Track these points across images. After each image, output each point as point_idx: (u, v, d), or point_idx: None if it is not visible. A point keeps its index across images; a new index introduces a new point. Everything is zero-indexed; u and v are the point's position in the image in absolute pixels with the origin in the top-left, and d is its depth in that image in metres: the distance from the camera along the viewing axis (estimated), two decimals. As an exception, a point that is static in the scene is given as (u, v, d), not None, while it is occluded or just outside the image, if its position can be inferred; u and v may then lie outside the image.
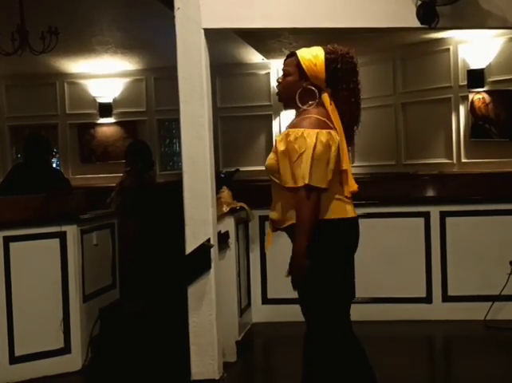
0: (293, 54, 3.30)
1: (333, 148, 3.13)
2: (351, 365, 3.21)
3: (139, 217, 5.96)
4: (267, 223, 3.48)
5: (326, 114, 3.20)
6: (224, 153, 10.50)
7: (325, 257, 3.15)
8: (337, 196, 3.20)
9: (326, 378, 3.20)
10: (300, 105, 3.25)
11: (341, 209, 3.20)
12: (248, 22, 4.48)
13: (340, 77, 3.21)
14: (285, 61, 3.35)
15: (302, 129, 3.13)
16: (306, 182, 3.06)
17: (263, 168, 3.36)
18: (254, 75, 10.79)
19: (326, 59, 3.20)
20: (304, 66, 3.22)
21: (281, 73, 3.39)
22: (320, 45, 3.30)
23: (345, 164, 3.21)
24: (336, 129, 3.18)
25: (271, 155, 3.25)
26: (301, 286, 3.19)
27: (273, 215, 3.30)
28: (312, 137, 3.09)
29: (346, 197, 3.23)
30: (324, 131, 3.13)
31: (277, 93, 3.42)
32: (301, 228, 3.10)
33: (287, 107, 3.40)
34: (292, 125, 3.23)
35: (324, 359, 3.18)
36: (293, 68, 3.27)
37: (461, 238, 5.85)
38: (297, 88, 3.25)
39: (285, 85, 3.32)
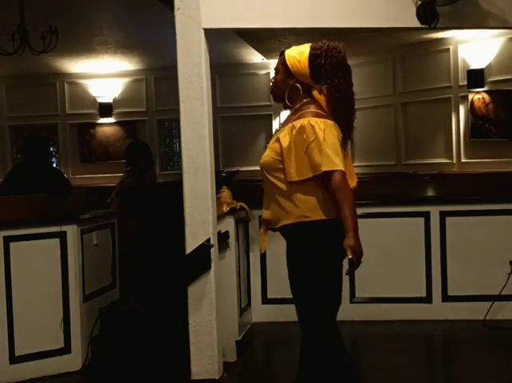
0: (282, 53, 3.29)
1: (339, 138, 3.11)
2: (337, 365, 3.18)
3: (139, 217, 5.96)
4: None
5: (323, 109, 3.17)
6: (224, 153, 10.50)
7: (325, 256, 3.10)
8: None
9: (318, 377, 3.17)
10: (288, 103, 3.24)
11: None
12: (248, 22, 4.48)
13: (324, 73, 3.15)
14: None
15: (308, 119, 3.09)
16: (331, 168, 2.99)
17: (261, 168, 3.34)
18: (254, 75, 10.79)
19: (310, 55, 3.17)
20: (288, 64, 3.21)
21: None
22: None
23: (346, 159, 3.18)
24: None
25: (268, 153, 3.21)
26: (298, 284, 3.16)
27: (267, 214, 3.24)
28: (319, 124, 3.06)
29: None
30: (329, 121, 3.11)
31: (270, 92, 3.40)
32: (351, 214, 2.99)
33: (284, 106, 3.33)
34: (294, 119, 3.16)
35: (316, 358, 3.15)
36: (281, 66, 3.26)
37: (461, 238, 5.84)
38: (285, 86, 3.23)
39: (274, 83, 3.32)
